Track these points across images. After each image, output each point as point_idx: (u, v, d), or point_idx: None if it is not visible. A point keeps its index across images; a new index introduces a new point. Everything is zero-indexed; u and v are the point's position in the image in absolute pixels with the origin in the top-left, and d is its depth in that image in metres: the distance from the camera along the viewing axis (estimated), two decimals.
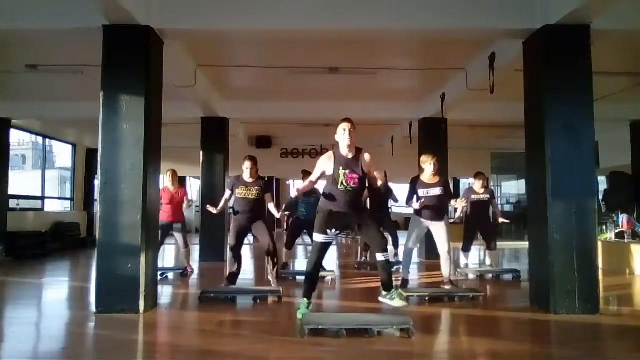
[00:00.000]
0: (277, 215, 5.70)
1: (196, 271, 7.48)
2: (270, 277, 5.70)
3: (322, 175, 4.30)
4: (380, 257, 4.26)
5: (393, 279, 4.29)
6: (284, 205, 7.22)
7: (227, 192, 5.74)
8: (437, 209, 5.59)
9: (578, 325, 4.20)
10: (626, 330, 4.22)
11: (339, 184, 4.12)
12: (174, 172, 6.95)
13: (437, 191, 5.56)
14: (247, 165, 5.59)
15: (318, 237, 4.26)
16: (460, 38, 5.44)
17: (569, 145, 4.55)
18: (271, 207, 5.69)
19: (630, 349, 3.68)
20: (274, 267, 5.68)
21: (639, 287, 6.49)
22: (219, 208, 5.81)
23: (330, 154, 4.22)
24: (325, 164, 4.22)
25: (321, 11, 4.74)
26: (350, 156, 4.14)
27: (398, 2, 4.74)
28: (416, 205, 5.55)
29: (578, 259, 4.47)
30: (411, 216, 5.81)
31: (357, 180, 4.12)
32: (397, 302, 4.25)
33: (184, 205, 6.98)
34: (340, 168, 4.12)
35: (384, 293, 4.37)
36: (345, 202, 4.17)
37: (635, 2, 4.52)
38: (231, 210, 5.90)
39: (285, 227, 7.38)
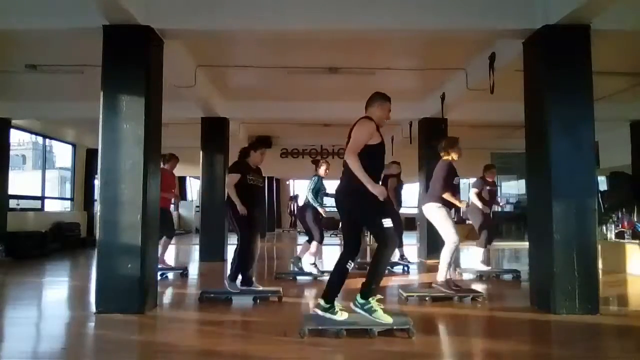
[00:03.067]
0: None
1: (196, 271, 7.49)
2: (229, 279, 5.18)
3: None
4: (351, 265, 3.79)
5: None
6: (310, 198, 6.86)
7: (237, 176, 5.18)
8: None
9: (578, 325, 4.20)
10: (626, 330, 4.22)
11: (382, 155, 3.78)
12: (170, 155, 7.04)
13: (458, 180, 5.42)
14: (263, 151, 5.39)
15: (388, 222, 3.64)
16: (460, 38, 5.45)
17: (569, 145, 4.55)
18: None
19: (630, 349, 3.68)
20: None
21: (638, 287, 6.49)
22: (241, 206, 5.10)
23: (372, 121, 3.79)
24: (374, 131, 3.72)
25: (321, 11, 4.74)
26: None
27: (398, 3, 4.74)
28: (452, 198, 5.18)
29: (578, 259, 4.46)
30: (435, 206, 5.21)
31: None
32: (340, 315, 3.72)
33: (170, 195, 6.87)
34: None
35: (323, 304, 3.73)
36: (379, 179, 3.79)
37: (635, 2, 4.52)
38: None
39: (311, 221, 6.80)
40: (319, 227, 6.78)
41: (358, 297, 3.73)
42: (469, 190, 7.63)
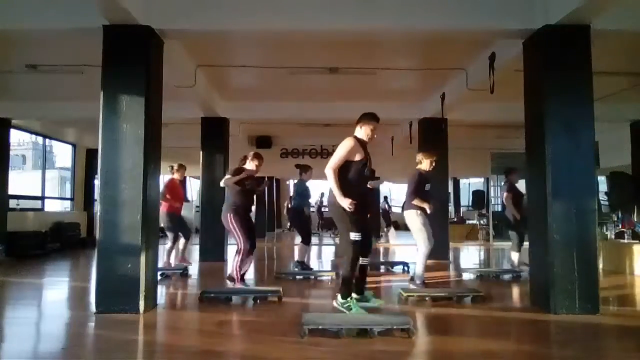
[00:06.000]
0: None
1: (196, 271, 7.48)
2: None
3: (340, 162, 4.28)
4: (364, 261, 4.58)
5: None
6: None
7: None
8: None
9: (578, 325, 4.20)
10: (626, 330, 4.22)
11: (367, 169, 4.30)
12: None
13: (429, 186, 5.92)
14: (258, 162, 5.86)
15: (356, 236, 4.21)
16: (460, 38, 5.45)
17: (569, 145, 4.55)
18: None
19: (630, 349, 3.68)
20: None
21: (638, 287, 6.49)
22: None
23: (354, 139, 4.36)
24: (356, 148, 4.29)
25: (321, 11, 4.74)
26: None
27: (398, 3, 4.74)
28: (421, 203, 5.71)
29: (578, 259, 4.47)
30: (415, 213, 5.77)
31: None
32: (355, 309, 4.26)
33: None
34: (367, 154, 4.34)
35: (341, 301, 4.31)
36: (366, 190, 4.40)
37: (635, 2, 4.52)
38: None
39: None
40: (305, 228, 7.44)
41: (339, 297, 4.33)
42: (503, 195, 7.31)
